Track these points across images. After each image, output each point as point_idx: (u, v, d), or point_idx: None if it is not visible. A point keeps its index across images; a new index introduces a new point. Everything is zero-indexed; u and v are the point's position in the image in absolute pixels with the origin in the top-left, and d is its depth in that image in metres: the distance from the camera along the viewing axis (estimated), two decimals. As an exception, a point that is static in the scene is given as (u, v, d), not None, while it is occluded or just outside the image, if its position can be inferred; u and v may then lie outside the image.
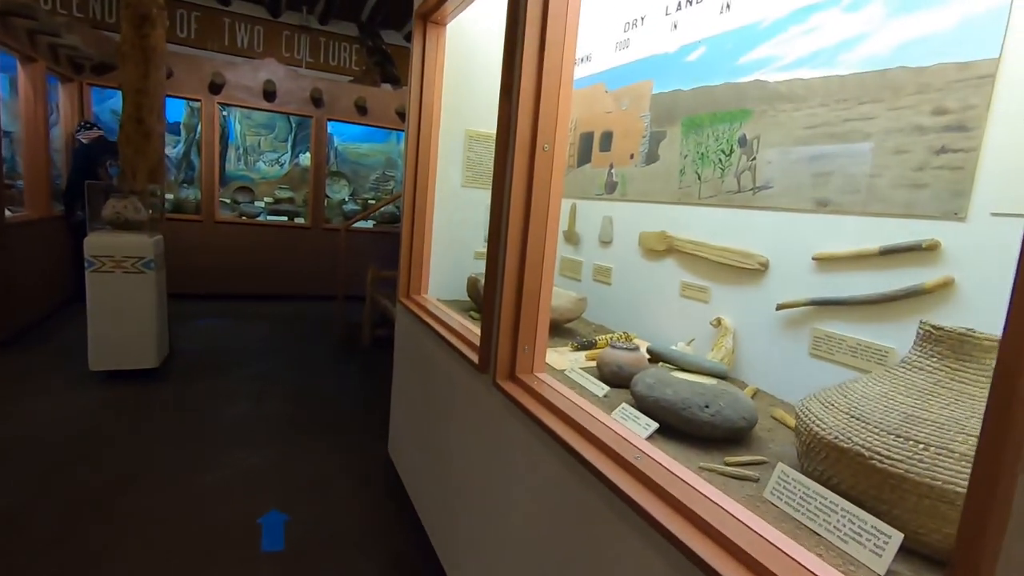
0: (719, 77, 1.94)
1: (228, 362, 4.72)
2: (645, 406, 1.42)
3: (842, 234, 1.54)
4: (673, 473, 1.07)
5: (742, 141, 1.85)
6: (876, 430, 0.98)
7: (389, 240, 7.14)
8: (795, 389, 1.66)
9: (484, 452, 1.76)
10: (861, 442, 0.98)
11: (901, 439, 0.95)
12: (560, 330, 2.32)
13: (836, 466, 1.03)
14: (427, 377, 2.34)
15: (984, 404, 0.98)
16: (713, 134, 1.97)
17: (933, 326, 1.05)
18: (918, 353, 1.07)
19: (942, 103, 1.32)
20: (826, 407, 1.10)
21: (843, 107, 1.54)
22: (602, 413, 1.39)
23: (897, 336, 1.40)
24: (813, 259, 1.60)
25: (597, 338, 2.12)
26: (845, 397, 1.10)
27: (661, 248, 2.20)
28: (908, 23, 1.39)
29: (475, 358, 1.74)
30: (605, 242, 2.57)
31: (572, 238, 2.81)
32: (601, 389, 1.63)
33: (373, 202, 8.47)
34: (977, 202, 1.25)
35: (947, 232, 1.31)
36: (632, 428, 1.37)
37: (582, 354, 2.02)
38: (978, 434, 1.00)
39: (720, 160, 1.94)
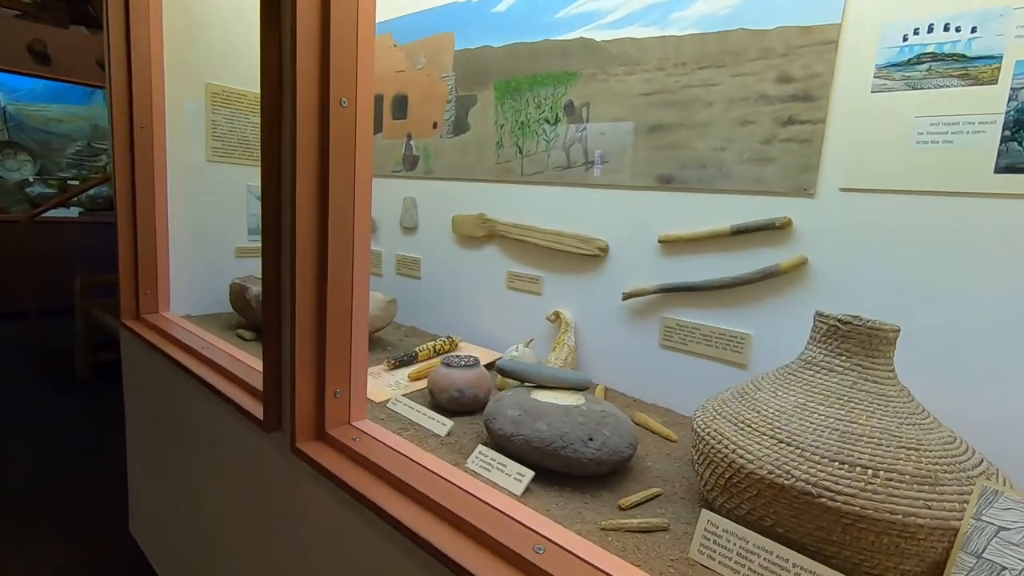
0: (537, 32, 1.67)
1: None
2: (510, 447, 1.09)
3: (689, 213, 1.40)
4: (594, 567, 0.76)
5: (569, 108, 1.62)
6: (815, 457, 0.81)
7: (103, 232, 5.52)
8: (647, 384, 1.52)
9: (285, 543, 1.24)
10: (803, 476, 0.80)
11: (846, 466, 0.79)
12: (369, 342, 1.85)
13: (772, 505, 0.83)
14: (182, 435, 1.65)
15: (902, 406, 0.83)
16: (534, 100, 1.70)
17: (840, 319, 0.92)
18: (822, 351, 0.94)
19: (786, 70, 1.23)
20: (740, 428, 0.90)
21: (682, 72, 1.38)
22: (459, 472, 1.01)
23: (754, 322, 1.32)
24: (659, 241, 1.45)
25: (417, 349, 1.72)
26: (757, 412, 0.91)
27: (480, 234, 1.88)
28: (747, -20, 1.27)
29: (259, 411, 1.19)
30: (408, 228, 2.15)
31: (366, 224, 2.31)
32: (442, 424, 1.25)
33: (75, 183, 6.46)
34: (826, 177, 1.20)
35: (798, 209, 1.24)
36: (501, 483, 1.03)
37: (404, 372, 1.60)
38: (916, 445, 0.91)
39: (544, 131, 1.68)
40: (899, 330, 0.90)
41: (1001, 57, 0.99)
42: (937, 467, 0.78)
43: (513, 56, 1.74)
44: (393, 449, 1.05)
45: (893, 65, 1.10)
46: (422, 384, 1.50)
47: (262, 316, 1.15)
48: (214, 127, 2.07)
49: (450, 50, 1.92)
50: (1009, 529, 0.69)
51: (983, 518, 0.71)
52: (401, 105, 2.12)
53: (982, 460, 0.83)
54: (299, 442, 1.09)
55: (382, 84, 2.18)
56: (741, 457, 0.86)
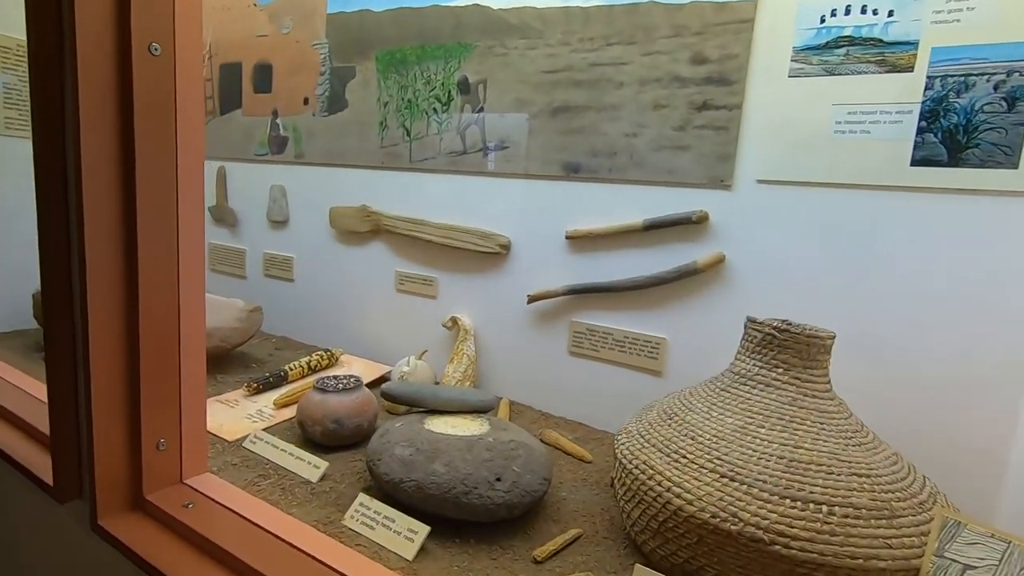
0: (425, -4, 1.44)
1: None
2: (400, 495, 0.87)
3: (599, 206, 1.26)
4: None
5: (463, 86, 1.41)
6: (763, 495, 0.69)
7: None
8: (557, 396, 1.37)
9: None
10: (752, 519, 0.67)
11: (798, 504, 0.67)
12: (224, 360, 1.53)
13: (716, 554, 0.70)
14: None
15: (843, 422, 0.74)
16: (423, 75, 1.47)
17: (776, 327, 0.81)
18: (756, 362, 0.83)
19: (701, 49, 1.12)
20: (674, 460, 0.77)
21: (589, 48, 1.24)
22: (328, 542, 0.78)
23: (669, 325, 1.21)
24: (566, 237, 1.30)
25: (287, 367, 1.43)
26: (692, 439, 0.78)
27: (364, 228, 1.62)
28: (658, -53, 1.14)
29: (47, 474, 0.87)
30: (278, 221, 1.83)
31: (223, 216, 1.95)
32: (314, 467, 1.01)
33: None
34: (743, 168, 1.11)
35: (715, 202, 1.14)
36: (389, 544, 0.81)
37: (268, 398, 1.31)
38: (867, 471, 0.82)
39: (436, 110, 1.46)
40: (835, 336, 0.81)
41: (917, 43, 0.94)
42: (890, 496, 0.69)
43: (397, 23, 1.50)
44: (240, 516, 0.79)
45: (810, 48, 1.02)
46: (293, 412, 1.23)
47: (44, 342, 0.83)
48: (6, 92, 1.60)
49: (322, 13, 1.63)
50: (976, 568, 0.60)
51: (946, 555, 0.62)
52: (264, 76, 1.79)
53: (924, 481, 0.75)
54: (103, 516, 0.79)
55: (241, 50, 1.83)
56: (679, 497, 0.72)
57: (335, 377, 1.18)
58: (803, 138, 1.04)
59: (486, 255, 1.42)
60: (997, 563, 0.60)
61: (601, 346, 1.29)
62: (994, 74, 0.89)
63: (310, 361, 1.47)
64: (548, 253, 1.33)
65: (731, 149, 1.11)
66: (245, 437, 1.12)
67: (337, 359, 1.56)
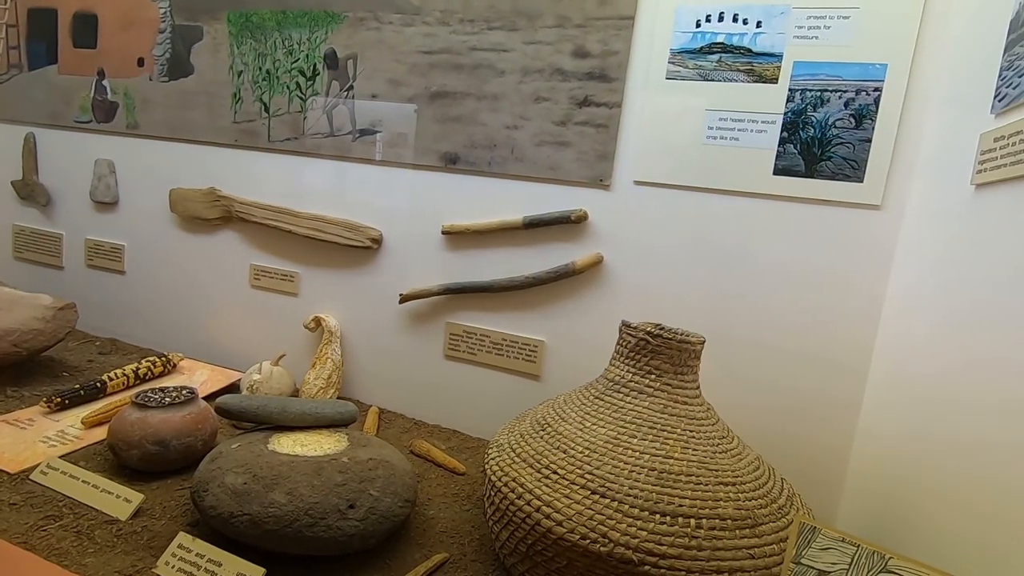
0: (287, -46, 1.27)
1: None
2: (231, 530, 0.73)
3: (478, 201, 1.19)
4: None
5: (331, 60, 1.27)
6: (633, 511, 0.65)
7: None
8: (431, 402, 1.27)
9: None
10: (623, 538, 0.63)
11: (668, 519, 0.64)
12: (22, 369, 1.24)
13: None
14: None
15: (711, 429, 0.73)
16: (284, 43, 1.30)
17: (649, 332, 0.78)
18: (630, 368, 0.80)
19: (583, 43, 1.08)
20: (545, 477, 0.71)
21: (470, 30, 1.15)
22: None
23: (547, 327, 1.17)
24: (443, 233, 1.21)
25: (106, 376, 1.20)
26: (564, 452, 0.73)
27: (212, 215, 1.41)
28: (542, -69, 1.09)
29: None
30: (104, 203, 1.55)
31: (32, 193, 1.61)
32: (124, 501, 0.83)
33: None
34: (621, 168, 1.09)
35: (594, 201, 1.11)
36: (210, 597, 0.67)
37: (75, 416, 1.08)
38: (733, 479, 0.81)
39: (299, 85, 1.30)
40: (704, 341, 0.80)
41: (782, 56, 0.97)
42: (754, 503, 0.68)
43: (254, -19, 1.31)
44: (-2, 580, 0.61)
45: (686, 51, 1.03)
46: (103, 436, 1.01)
47: None
48: None
49: (162, -41, 1.39)
50: (829, 573, 0.61)
51: (803, 561, 0.62)
52: (87, 28, 1.50)
53: (783, 485, 0.77)
54: None
55: (55, -7, 1.51)
56: (548, 518, 0.66)
57: (161, 390, 0.99)
58: (678, 141, 1.04)
59: (355, 249, 1.28)
60: (847, 567, 0.60)
61: (478, 349, 1.22)
62: (845, 91, 0.95)
63: (138, 369, 1.25)
64: (423, 249, 1.24)
65: (611, 148, 1.09)
66: (35, 467, 0.90)
67: (175, 365, 1.34)
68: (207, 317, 1.47)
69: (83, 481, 0.86)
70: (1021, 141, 0.62)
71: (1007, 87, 0.67)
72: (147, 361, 1.28)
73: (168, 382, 1.27)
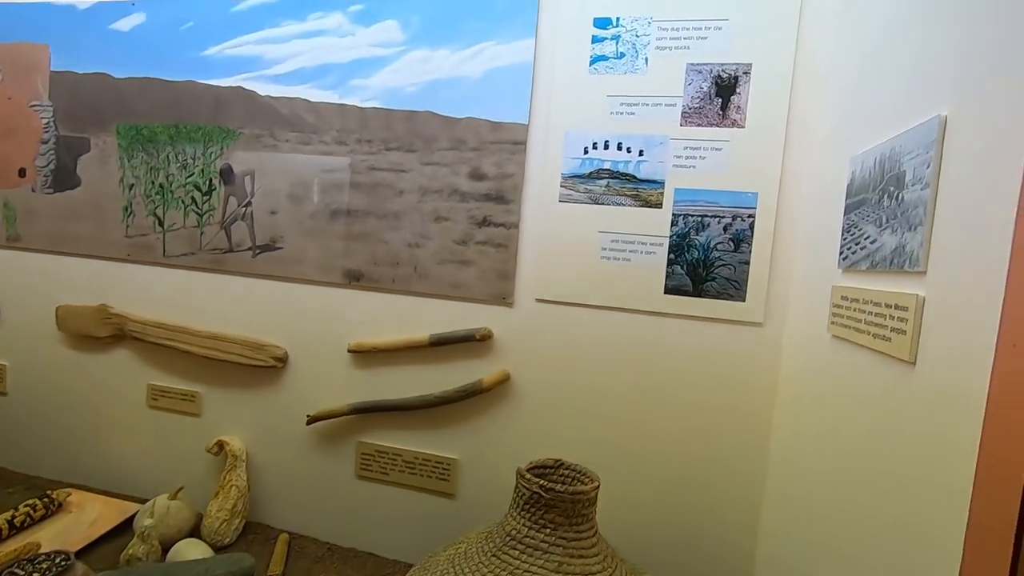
0: (179, 69, 1.24)
1: None
2: None
3: (384, 318, 1.17)
4: None
5: (227, 175, 1.24)
6: None
7: None
8: (344, 525, 1.22)
9: None
10: None
11: None
12: None
13: None
14: None
15: None
16: (178, 157, 1.26)
17: (542, 487, 0.78)
18: (525, 522, 0.79)
19: (479, 165, 1.11)
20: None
21: (368, 150, 1.16)
22: None
23: (460, 444, 1.15)
24: (349, 351, 1.18)
25: (-26, 532, 1.08)
26: (459, 625, 0.71)
27: (104, 333, 1.33)
28: (434, 60, 1.11)
29: None
30: (-15, 318, 1.43)
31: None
32: None
33: None
34: (523, 286, 1.10)
35: (498, 319, 1.12)
36: None
37: (-69, 592, 0.96)
38: None
39: (195, 200, 1.26)
40: (599, 485, 0.81)
41: (664, 183, 1.02)
42: (647, 670, 0.68)
43: (145, 94, 1.27)
44: None
45: (577, 176, 1.06)
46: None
47: None
48: None
49: (44, 69, 1.33)
50: None
51: None
52: (-37, 135, 1.40)
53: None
54: None
55: (-75, 99, 1.41)
56: None
57: (31, 561, 0.90)
58: (575, 261, 1.07)
59: (260, 368, 1.23)
60: None
61: (391, 468, 1.19)
62: (723, 217, 1.00)
63: (13, 517, 1.13)
64: (330, 367, 1.20)
65: (511, 267, 1.10)
66: None
67: (60, 505, 1.22)
68: (101, 441, 1.36)
69: None
70: (857, 309, 0.67)
71: (847, 248, 0.73)
72: (25, 507, 1.16)
73: (50, 528, 1.16)
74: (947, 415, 0.49)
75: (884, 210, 0.63)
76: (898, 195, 0.60)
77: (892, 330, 0.58)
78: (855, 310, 0.68)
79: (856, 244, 0.70)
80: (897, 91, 0.65)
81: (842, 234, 0.75)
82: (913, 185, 0.57)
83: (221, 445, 1.25)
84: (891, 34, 0.69)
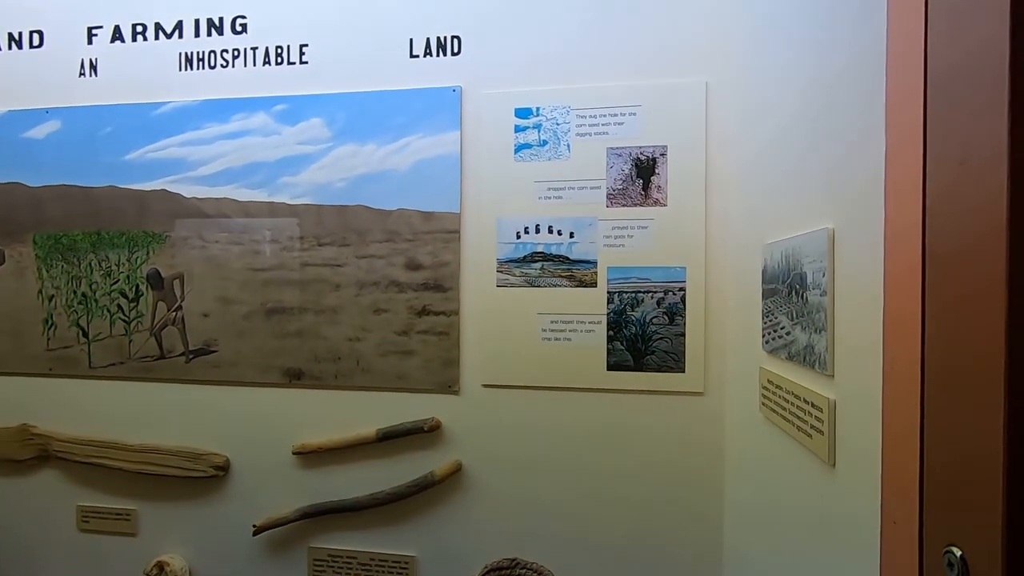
0: (98, 175, 1.21)
1: None
2: None
3: (328, 416, 1.14)
4: None
5: (155, 280, 1.20)
6: None
7: None
8: (300, 640, 1.15)
9: None
10: None
11: None
12: None
13: None
14: None
15: None
16: (101, 265, 1.21)
17: (497, 598, 0.76)
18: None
19: (414, 255, 1.11)
20: None
21: (300, 247, 1.14)
22: None
23: (418, 540, 1.11)
24: (294, 453, 1.14)
25: None
26: None
27: (25, 455, 1.24)
28: (361, 155, 1.12)
29: None
30: None
31: None
32: None
33: None
34: (468, 373, 1.10)
35: (446, 407, 1.10)
36: None
37: None
38: None
39: (121, 308, 1.21)
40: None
41: (596, 263, 1.05)
42: None
43: (63, 202, 1.22)
44: None
45: (512, 261, 1.08)
46: None
47: None
48: None
49: (-50, 181, 1.27)
50: None
51: None
52: None
53: None
54: None
55: None
56: None
57: None
58: (518, 344, 1.07)
59: (198, 479, 1.17)
60: None
61: (346, 572, 1.13)
62: (656, 292, 1.03)
63: None
64: (275, 472, 1.15)
65: (455, 354, 1.10)
66: None
67: (-22, 656, 1.11)
68: (28, 573, 1.25)
69: None
70: (781, 397, 0.69)
71: (768, 332, 0.76)
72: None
73: None
74: (865, 525, 0.51)
75: (793, 305, 0.66)
76: (803, 294, 0.63)
77: (812, 428, 0.60)
78: (780, 397, 0.70)
79: (774, 331, 0.73)
80: (789, 195, 0.69)
81: (763, 318, 0.78)
82: (813, 289, 0.60)
83: (161, 566, 1.16)
84: (780, 138, 0.73)
